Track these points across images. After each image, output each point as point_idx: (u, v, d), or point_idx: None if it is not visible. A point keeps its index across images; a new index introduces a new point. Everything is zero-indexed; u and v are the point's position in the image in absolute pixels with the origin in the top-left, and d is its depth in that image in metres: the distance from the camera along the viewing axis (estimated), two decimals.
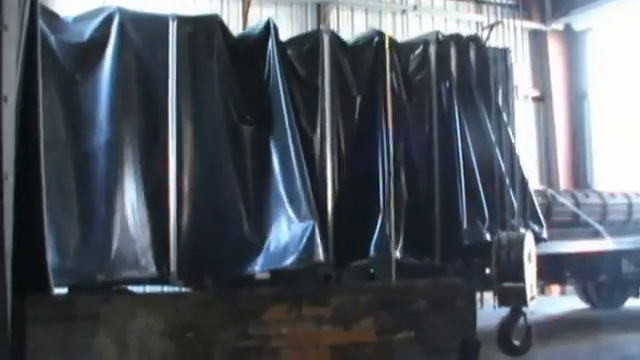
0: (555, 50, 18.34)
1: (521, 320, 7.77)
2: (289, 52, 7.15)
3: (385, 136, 7.19)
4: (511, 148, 8.00)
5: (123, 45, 6.49)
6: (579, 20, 17.88)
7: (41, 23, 5.09)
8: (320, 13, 16.00)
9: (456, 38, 8.24)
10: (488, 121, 7.92)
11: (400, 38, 16.02)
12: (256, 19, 15.11)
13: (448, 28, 17.12)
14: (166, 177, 6.50)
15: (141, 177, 6.40)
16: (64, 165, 6.17)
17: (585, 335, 10.40)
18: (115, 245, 6.11)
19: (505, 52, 8.61)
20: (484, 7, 16.08)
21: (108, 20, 6.54)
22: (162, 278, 6.40)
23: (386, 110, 7.22)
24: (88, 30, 6.54)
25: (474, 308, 6.38)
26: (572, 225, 11.43)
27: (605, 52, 17.96)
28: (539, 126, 18.10)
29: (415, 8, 16.51)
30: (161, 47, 6.65)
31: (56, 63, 6.25)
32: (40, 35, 4.84)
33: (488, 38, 11.10)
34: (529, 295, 7.71)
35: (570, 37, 18.40)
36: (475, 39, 8.42)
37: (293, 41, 7.49)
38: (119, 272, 6.09)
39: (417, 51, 7.96)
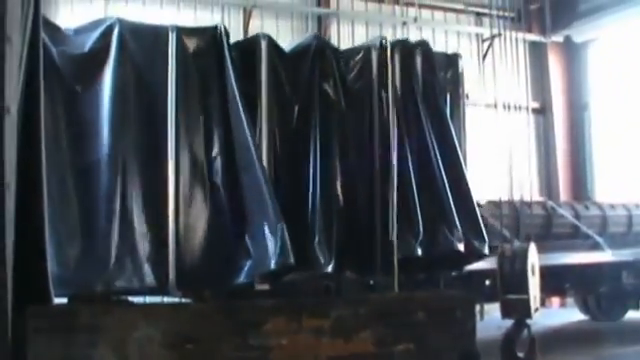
0: (555, 62, 18.38)
1: (525, 332, 7.78)
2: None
3: (320, 146, 7.02)
4: (456, 158, 7.72)
5: (123, 56, 6.52)
6: (579, 32, 17.92)
7: (43, 35, 5.12)
8: (321, 25, 16.06)
9: (401, 44, 7.84)
10: (431, 130, 7.56)
11: None
12: (257, 31, 15.24)
13: (448, 40, 17.22)
14: (165, 188, 6.50)
15: (140, 188, 6.41)
16: (64, 175, 6.19)
17: (585, 347, 10.40)
18: (113, 255, 6.13)
19: (455, 58, 8.37)
20: (485, 20, 16.15)
21: (108, 31, 6.57)
22: (160, 288, 6.40)
23: (323, 119, 7.09)
24: (89, 41, 6.56)
25: (474, 320, 6.38)
26: (572, 237, 11.43)
27: (606, 64, 18.01)
28: (539, 138, 18.12)
29: (415, 20, 16.53)
30: (160, 58, 6.67)
31: (58, 75, 6.28)
32: (42, 46, 4.87)
33: (488, 51, 11.17)
34: (533, 307, 7.72)
35: (570, 49, 18.45)
36: (422, 44, 8.01)
37: (235, 46, 7.21)
38: (117, 282, 6.10)
39: (357, 57, 7.65)
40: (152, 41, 6.73)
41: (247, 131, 6.51)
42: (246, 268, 6.37)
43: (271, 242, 6.20)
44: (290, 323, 5.47)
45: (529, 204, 10.45)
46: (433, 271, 7.56)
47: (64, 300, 5.78)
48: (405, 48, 7.75)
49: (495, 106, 10.57)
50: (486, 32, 15.86)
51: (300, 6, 16.25)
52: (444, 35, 17.24)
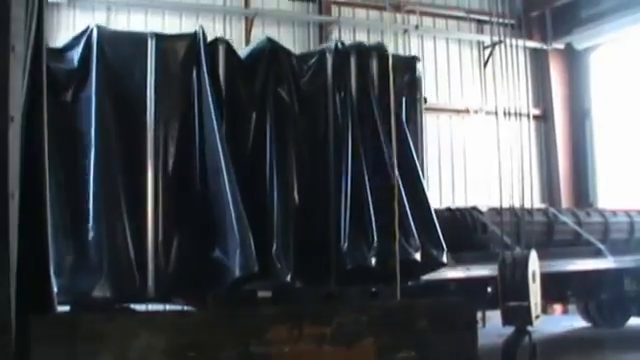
0: (556, 69, 18.43)
1: (526, 339, 7.78)
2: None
3: (275, 152, 6.89)
4: (412, 164, 7.41)
5: (102, 64, 6.55)
6: (580, 39, 17.98)
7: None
8: (322, 33, 16.12)
9: (357, 47, 7.61)
10: (387, 135, 7.26)
11: None
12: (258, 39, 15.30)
13: (449, 48, 17.28)
14: (145, 195, 6.45)
15: (124, 195, 6.42)
16: (58, 184, 6.23)
17: (587, 354, 10.41)
18: (106, 262, 6.12)
19: (413, 61, 8.09)
20: (485, 27, 16.21)
21: (88, 42, 6.60)
22: (141, 295, 6.35)
23: (277, 124, 6.96)
24: (76, 56, 6.61)
25: (475, 327, 6.39)
26: (574, 244, 11.45)
27: (607, 70, 18.05)
28: (540, 144, 18.16)
29: (417, 28, 16.61)
30: (140, 64, 6.65)
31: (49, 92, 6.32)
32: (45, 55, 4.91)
33: (489, 58, 11.18)
34: (534, 314, 7.72)
35: (572, 56, 18.49)
36: (378, 48, 7.71)
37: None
38: (110, 289, 6.08)
39: (312, 61, 7.45)
40: (131, 48, 6.73)
41: (217, 137, 6.44)
42: (217, 276, 6.27)
43: (236, 250, 6.12)
44: (292, 330, 5.49)
45: (531, 211, 10.46)
46: (388, 281, 7.06)
47: (66, 308, 5.83)
48: (360, 52, 7.53)
49: (496, 113, 10.58)
50: (487, 39, 15.92)
51: (302, 14, 16.32)
52: (445, 42, 17.30)
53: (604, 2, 16.97)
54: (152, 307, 7.21)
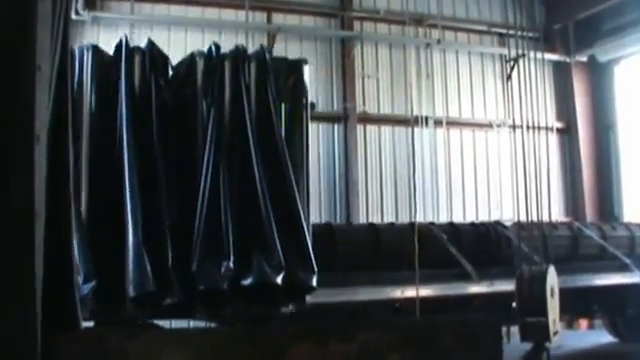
0: (580, 81, 18.30)
1: (544, 355, 7.72)
2: None
3: (148, 160, 6.61)
4: (285, 176, 6.85)
5: (82, 80, 6.70)
6: (604, 51, 17.84)
7: None
8: (344, 48, 16.15)
9: (232, 52, 7.19)
10: (258, 145, 6.84)
11: (424, 73, 16.29)
12: (281, 55, 15.36)
13: (472, 62, 17.24)
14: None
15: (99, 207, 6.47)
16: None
17: None
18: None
19: (299, 64, 7.54)
20: (508, 40, 16.16)
21: (81, 60, 6.75)
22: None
23: (148, 132, 6.72)
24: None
25: (500, 343, 6.34)
26: (599, 258, 11.35)
27: (631, 82, 17.90)
28: (564, 158, 18.03)
29: (439, 42, 16.59)
30: (113, 78, 6.78)
31: None
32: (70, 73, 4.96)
33: (512, 72, 11.16)
34: (552, 330, 7.65)
35: (595, 68, 18.37)
36: (257, 53, 7.32)
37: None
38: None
39: (184, 66, 7.14)
40: (109, 63, 6.86)
41: (131, 151, 6.45)
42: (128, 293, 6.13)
43: (132, 268, 6.05)
44: (316, 348, 5.46)
45: (555, 225, 10.39)
46: (247, 305, 6.57)
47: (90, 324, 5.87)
48: (236, 56, 7.14)
49: (519, 127, 10.53)
50: (510, 53, 15.87)
51: (324, 29, 16.37)
52: (467, 56, 17.27)
53: (627, 14, 16.86)
54: (176, 323, 7.24)
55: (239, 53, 7.16)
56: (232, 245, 6.41)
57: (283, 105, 7.17)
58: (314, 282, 6.68)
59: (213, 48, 7.06)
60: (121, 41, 6.88)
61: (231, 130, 6.84)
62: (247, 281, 6.37)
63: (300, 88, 7.33)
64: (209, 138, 6.71)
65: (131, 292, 5.93)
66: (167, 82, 6.99)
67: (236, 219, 6.51)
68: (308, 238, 6.79)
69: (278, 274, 6.41)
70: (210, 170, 6.57)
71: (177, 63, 7.18)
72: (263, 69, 7.12)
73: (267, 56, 7.22)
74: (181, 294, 6.26)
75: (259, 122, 6.94)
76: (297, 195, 6.84)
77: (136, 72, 6.83)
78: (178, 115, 6.94)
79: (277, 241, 6.50)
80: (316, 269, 6.68)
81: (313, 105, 7.79)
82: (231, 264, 6.34)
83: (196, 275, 6.26)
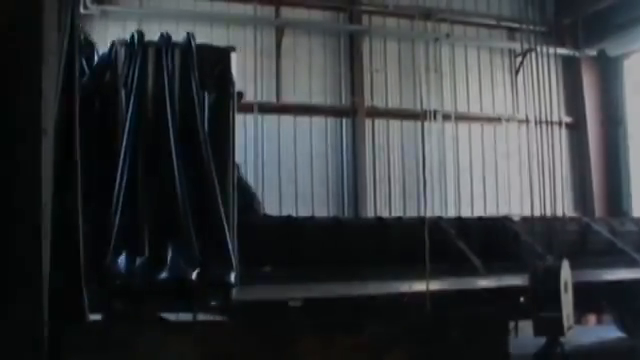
0: (589, 76, 18.20)
1: (558, 350, 7.69)
2: None
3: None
4: (204, 166, 6.67)
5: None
6: (613, 46, 17.74)
7: None
8: (353, 43, 16.11)
9: (158, 40, 7.00)
10: (176, 135, 6.68)
11: (432, 67, 16.27)
12: (290, 49, 15.36)
13: (481, 56, 17.18)
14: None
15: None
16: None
17: None
18: None
19: (226, 52, 7.30)
20: (517, 35, 16.09)
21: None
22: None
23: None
24: None
25: (507, 338, 6.33)
26: (607, 253, 11.29)
27: None
28: (573, 153, 17.96)
29: (448, 36, 16.54)
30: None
31: None
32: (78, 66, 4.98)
33: (520, 66, 11.14)
34: (566, 325, 7.62)
35: (604, 63, 18.27)
36: (182, 41, 7.11)
37: None
38: None
39: (105, 54, 6.95)
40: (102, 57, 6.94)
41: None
42: None
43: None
44: (324, 341, 5.47)
45: (563, 220, 10.36)
46: (158, 303, 6.45)
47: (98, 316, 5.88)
48: (159, 44, 6.96)
49: (528, 121, 10.50)
50: (519, 47, 15.81)
51: (332, 23, 16.34)
52: (476, 51, 17.22)
53: (637, 8, 16.74)
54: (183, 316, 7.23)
55: (163, 41, 6.99)
56: (147, 239, 6.29)
57: (207, 95, 6.99)
58: (232, 279, 6.53)
59: (135, 36, 6.90)
60: None
61: (151, 120, 6.69)
62: (161, 276, 6.24)
63: (227, 77, 7.11)
64: (127, 128, 6.56)
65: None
66: (91, 70, 6.84)
67: (153, 213, 6.39)
68: (228, 234, 6.60)
69: (193, 269, 6.30)
70: (127, 162, 6.44)
71: (102, 52, 7.04)
72: (187, 57, 6.94)
73: (192, 43, 7.02)
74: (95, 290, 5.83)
75: (181, 112, 6.79)
76: (218, 189, 6.66)
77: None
78: (99, 104, 6.76)
79: (194, 237, 6.39)
80: (236, 265, 6.54)
81: (241, 95, 7.56)
82: (146, 258, 6.23)
83: (110, 270, 6.13)
